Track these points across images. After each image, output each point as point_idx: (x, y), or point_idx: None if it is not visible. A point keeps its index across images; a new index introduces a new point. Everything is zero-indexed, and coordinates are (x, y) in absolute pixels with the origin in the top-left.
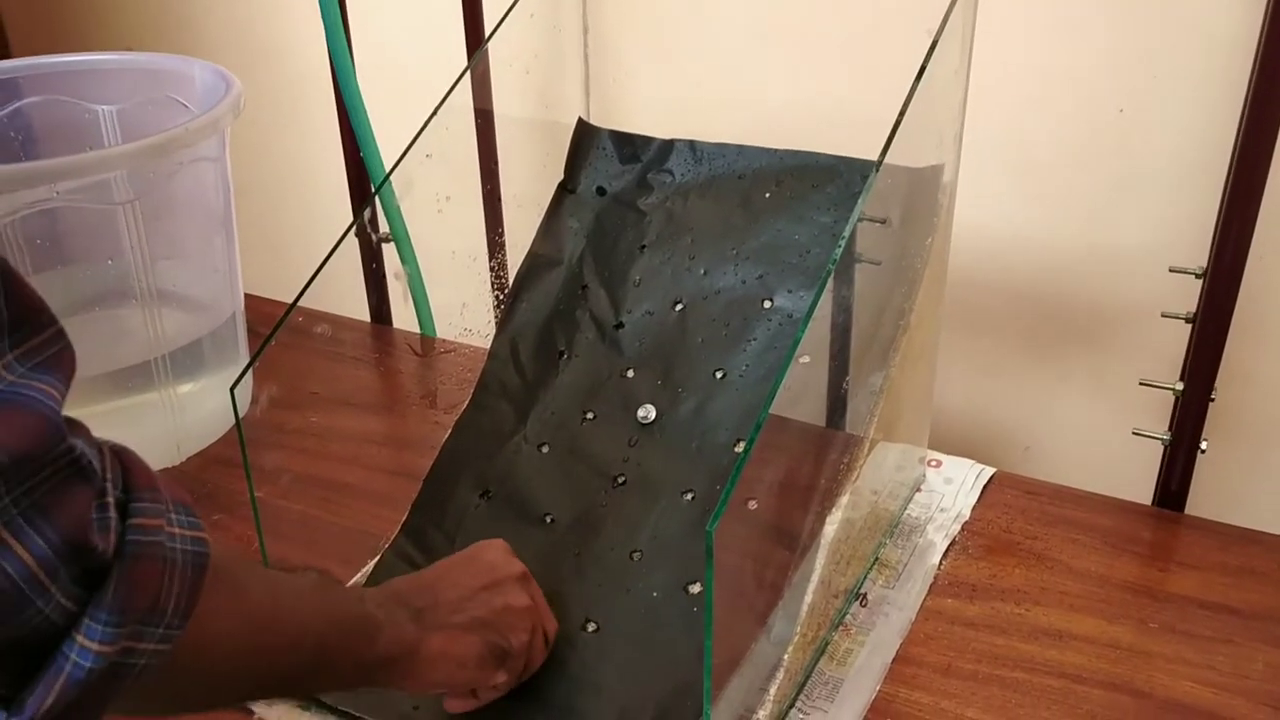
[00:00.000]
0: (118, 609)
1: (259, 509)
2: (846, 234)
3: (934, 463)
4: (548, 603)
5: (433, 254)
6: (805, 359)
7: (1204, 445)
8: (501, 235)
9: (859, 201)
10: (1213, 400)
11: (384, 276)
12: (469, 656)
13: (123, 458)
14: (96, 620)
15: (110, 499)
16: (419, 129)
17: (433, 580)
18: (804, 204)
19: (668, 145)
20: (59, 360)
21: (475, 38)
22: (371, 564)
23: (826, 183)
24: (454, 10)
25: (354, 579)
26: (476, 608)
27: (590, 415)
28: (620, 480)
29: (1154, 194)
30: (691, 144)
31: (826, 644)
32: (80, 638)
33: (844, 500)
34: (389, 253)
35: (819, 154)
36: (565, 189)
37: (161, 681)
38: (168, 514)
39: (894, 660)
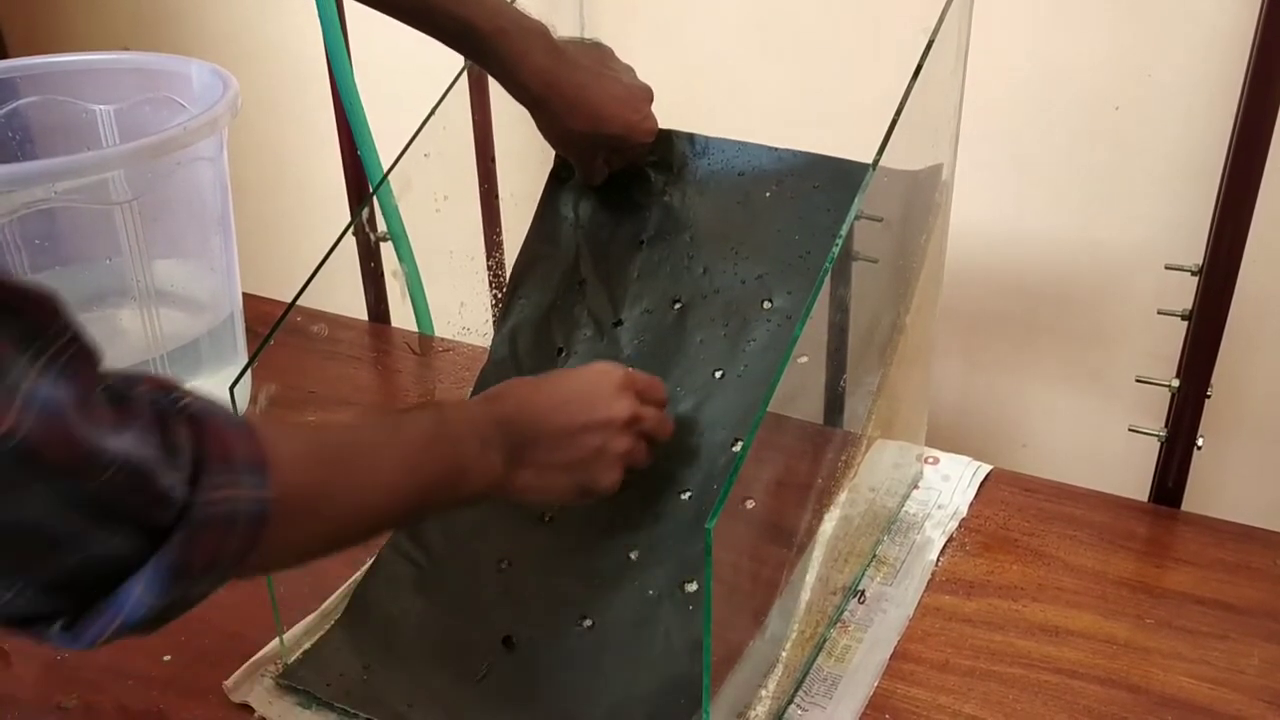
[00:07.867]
0: (176, 570)
1: None
2: (843, 233)
3: (931, 460)
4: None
5: (430, 253)
6: (803, 359)
7: (1200, 441)
8: (499, 234)
9: (855, 201)
10: (1209, 397)
11: (382, 275)
12: (555, 492)
13: (200, 425)
14: (156, 576)
15: (175, 480)
16: (417, 128)
17: (542, 412)
18: (804, 204)
19: (665, 135)
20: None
21: None
22: (370, 561)
23: (827, 184)
24: None
25: (353, 576)
26: (573, 450)
27: None
28: None
29: (1150, 192)
30: (690, 136)
31: (825, 640)
32: (140, 588)
33: (842, 497)
34: (387, 251)
35: (820, 155)
36: (557, 177)
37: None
38: (237, 480)
39: (892, 656)
